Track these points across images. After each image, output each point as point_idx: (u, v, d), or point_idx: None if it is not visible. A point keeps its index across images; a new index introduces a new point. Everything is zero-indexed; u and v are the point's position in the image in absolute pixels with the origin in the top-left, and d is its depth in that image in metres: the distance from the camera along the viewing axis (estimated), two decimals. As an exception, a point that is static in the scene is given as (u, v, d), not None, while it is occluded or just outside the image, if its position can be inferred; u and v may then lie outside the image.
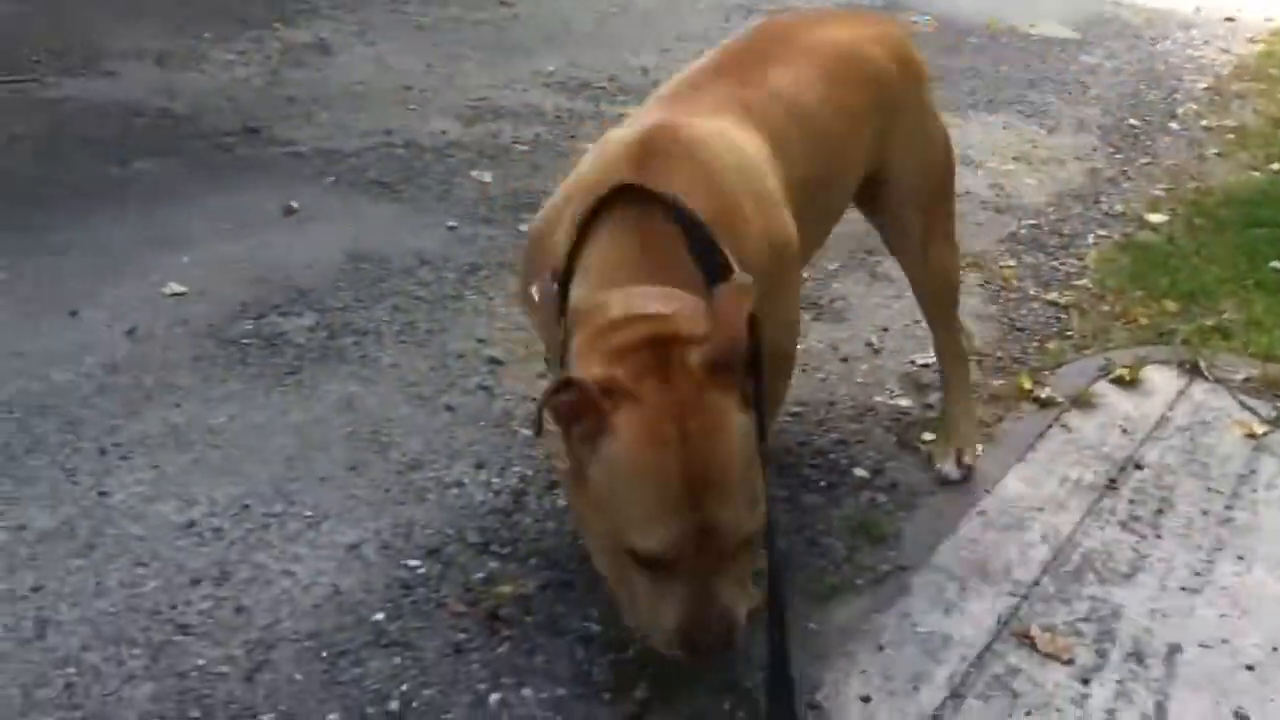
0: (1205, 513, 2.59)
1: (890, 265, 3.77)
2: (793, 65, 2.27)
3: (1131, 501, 2.62)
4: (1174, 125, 5.85)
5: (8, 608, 2.13)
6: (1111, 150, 5.33)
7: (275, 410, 2.78)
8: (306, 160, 4.44)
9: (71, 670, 2.00)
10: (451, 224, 3.93)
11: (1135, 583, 2.36)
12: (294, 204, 3.94)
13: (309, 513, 2.42)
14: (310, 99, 5.17)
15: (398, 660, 2.06)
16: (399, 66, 5.79)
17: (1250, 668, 2.16)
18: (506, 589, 2.23)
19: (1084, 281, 3.84)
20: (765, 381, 1.79)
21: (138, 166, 4.28)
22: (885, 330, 3.38)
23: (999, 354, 3.29)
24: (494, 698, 2.00)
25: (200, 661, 2.03)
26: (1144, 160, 5.25)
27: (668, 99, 2.17)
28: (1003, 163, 4.98)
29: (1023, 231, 4.26)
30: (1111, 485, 2.67)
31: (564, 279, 1.84)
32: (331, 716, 1.94)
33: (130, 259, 3.49)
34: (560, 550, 2.35)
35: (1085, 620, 2.25)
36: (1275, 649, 2.21)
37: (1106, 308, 3.64)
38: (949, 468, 2.64)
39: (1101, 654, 2.17)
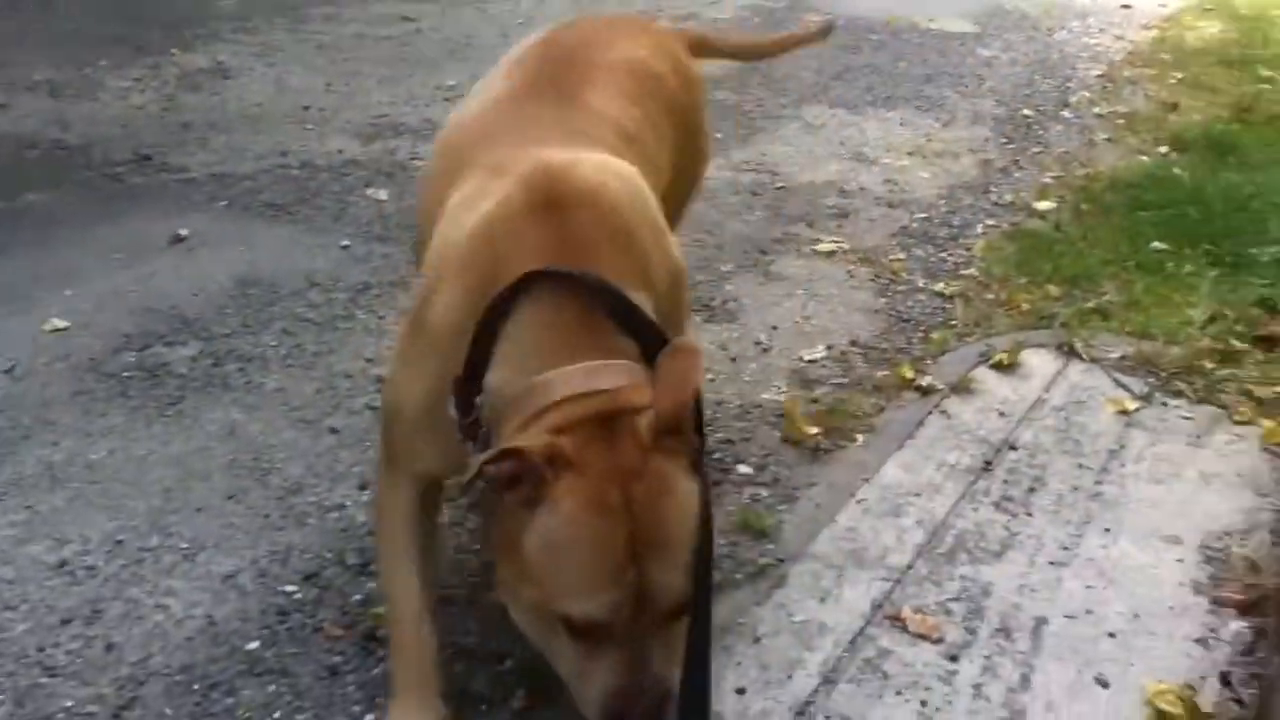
0: (1075, 489, 2.66)
1: (784, 264, 3.86)
2: (605, 86, 2.20)
3: (1005, 482, 2.68)
4: (1066, 113, 5.97)
5: (-128, 657, 2.11)
6: (1004, 141, 5.43)
7: (156, 442, 2.76)
8: (199, 186, 4.42)
9: (-68, 721, 1.97)
10: (345, 243, 3.93)
11: (1005, 560, 2.42)
12: (183, 232, 3.92)
13: (185, 544, 2.42)
14: (206, 124, 5.15)
15: (272, 688, 2.06)
16: (299, 87, 5.78)
17: (1113, 635, 2.22)
18: (384, 609, 2.24)
19: (970, 271, 3.92)
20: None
21: (28, 199, 4.24)
22: (775, 329, 3.42)
23: (884, 346, 3.35)
24: (369, 718, 2.00)
25: (68, 703, 2.02)
26: (1035, 149, 5.36)
27: (511, 132, 2.00)
28: (898, 158, 5.06)
29: (914, 225, 4.33)
30: (987, 467, 2.73)
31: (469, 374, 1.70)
32: (202, 749, 1.95)
33: (14, 296, 3.46)
34: (438, 567, 2.36)
35: (956, 600, 2.30)
36: (1137, 616, 2.28)
37: (991, 296, 3.71)
38: None
39: (971, 631, 2.22)
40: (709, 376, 3.10)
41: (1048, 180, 4.93)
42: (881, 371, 3.18)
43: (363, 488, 2.61)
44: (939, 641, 2.20)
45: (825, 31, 3.26)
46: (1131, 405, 2.99)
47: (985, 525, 2.53)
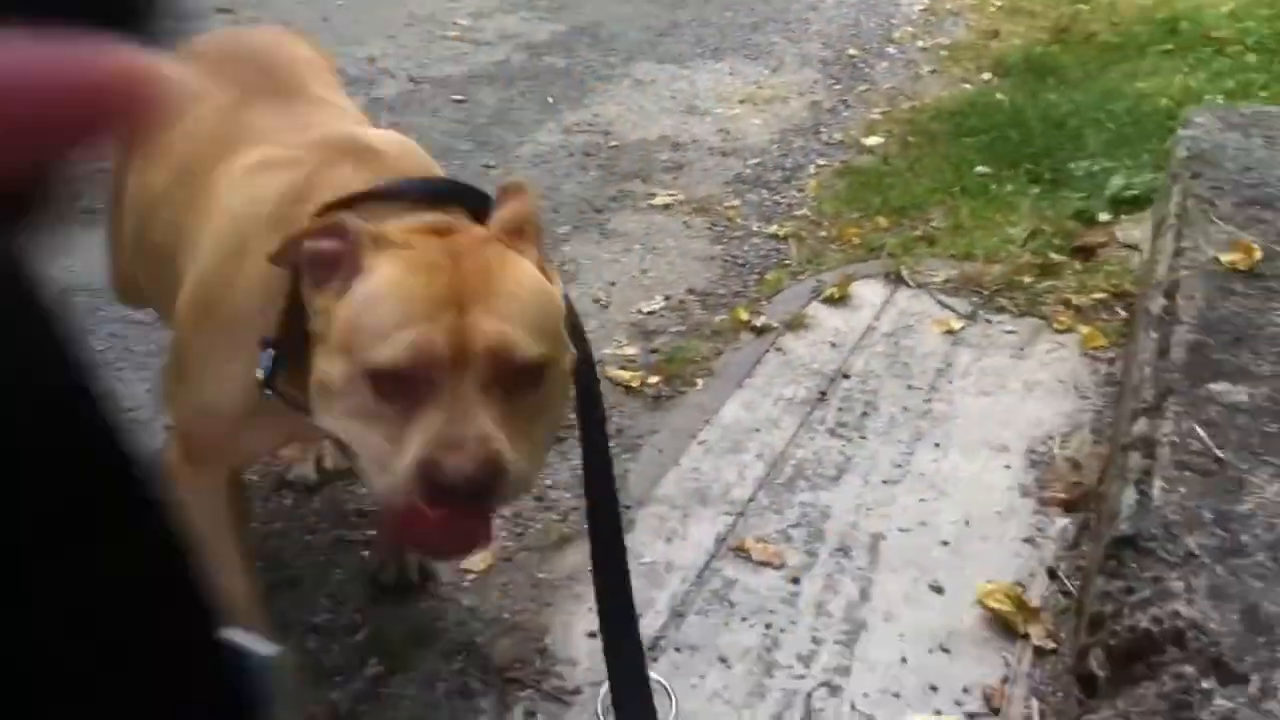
0: (906, 409, 2.76)
1: (620, 221, 3.89)
2: (314, 78, 2.05)
3: (840, 409, 2.77)
4: (891, 49, 6.12)
5: None
6: (832, 82, 5.55)
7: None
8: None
9: None
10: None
11: (842, 483, 2.51)
12: None
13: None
14: (22, 134, 4.96)
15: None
16: (118, 88, 5.60)
17: (945, 543, 2.33)
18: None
19: (803, 211, 4.01)
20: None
21: None
22: (613, 284, 3.46)
23: (721, 291, 3.42)
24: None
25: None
26: (863, 87, 5.49)
27: (254, 130, 1.79)
28: (729, 108, 5.13)
29: (748, 171, 4.41)
30: (822, 397, 2.82)
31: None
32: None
33: None
34: (286, 550, 2.36)
35: (796, 525, 2.38)
36: (968, 523, 2.38)
37: (823, 233, 3.81)
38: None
39: (811, 553, 2.30)
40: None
41: (875, 116, 5.06)
42: (719, 316, 3.25)
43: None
44: (781, 567, 2.27)
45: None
46: (957, 325, 3.11)
47: (822, 452, 2.62)
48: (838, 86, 5.47)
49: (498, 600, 2.22)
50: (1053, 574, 2.26)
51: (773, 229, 3.85)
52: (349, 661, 2.08)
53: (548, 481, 2.55)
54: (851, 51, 6.01)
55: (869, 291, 3.31)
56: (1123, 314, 3.07)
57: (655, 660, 2.05)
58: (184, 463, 1.75)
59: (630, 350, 3.08)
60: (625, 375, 2.92)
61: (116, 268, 2.40)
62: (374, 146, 1.65)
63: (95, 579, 0.78)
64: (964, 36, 6.37)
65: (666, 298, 3.36)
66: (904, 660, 2.05)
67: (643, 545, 2.34)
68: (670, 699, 1.96)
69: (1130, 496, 1.66)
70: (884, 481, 2.51)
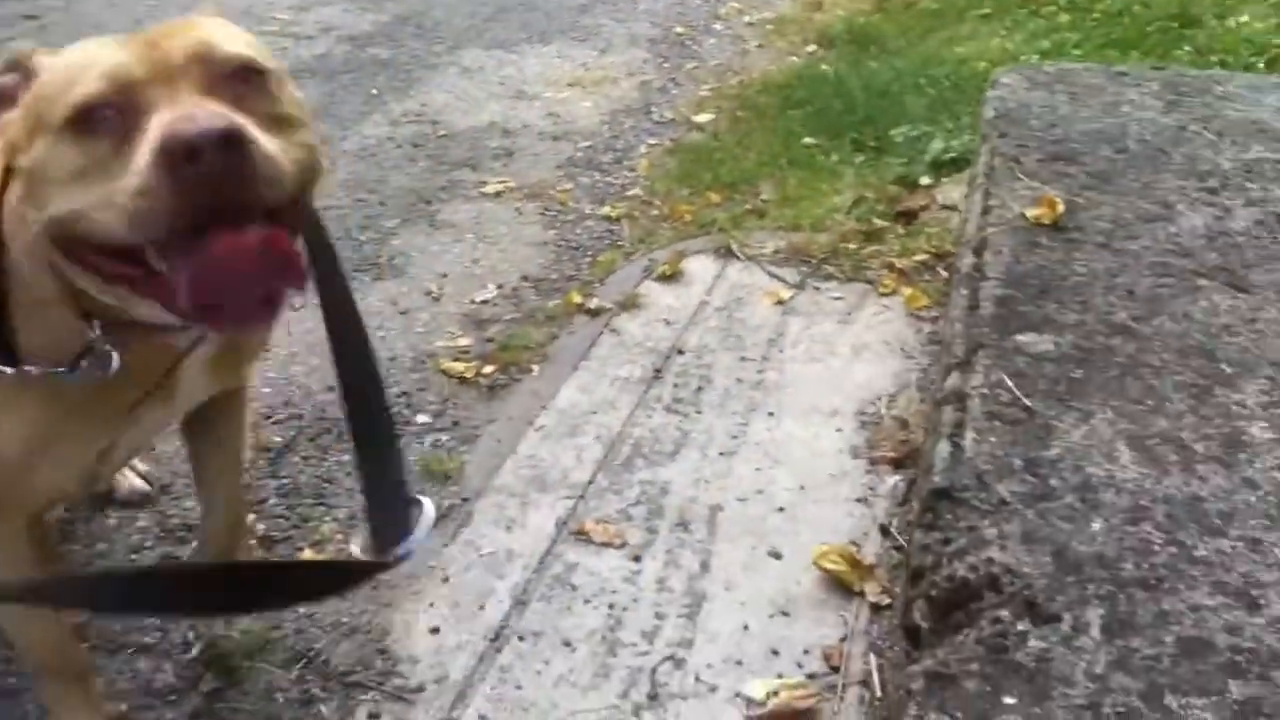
0: (740, 381, 2.79)
1: (450, 211, 3.85)
2: None
3: (675, 385, 2.78)
4: (718, 25, 6.18)
5: None
6: (661, 60, 5.57)
7: None
8: None
9: None
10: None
11: (680, 459, 2.52)
12: None
13: None
14: None
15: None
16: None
17: (781, 510, 2.36)
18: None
19: (636, 191, 4.02)
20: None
21: None
22: (445, 276, 3.41)
23: (554, 276, 3.40)
24: (46, 737, 1.92)
25: None
26: (691, 65, 5.52)
27: None
28: (558, 91, 5.11)
29: (579, 154, 4.40)
30: (657, 375, 2.83)
31: None
32: None
33: None
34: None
35: (636, 504, 2.39)
36: (803, 488, 2.42)
37: (655, 212, 3.82)
38: None
39: (651, 531, 2.31)
40: (380, 334, 3.07)
41: (705, 93, 5.10)
42: (553, 301, 3.23)
43: None
44: (623, 546, 2.27)
45: None
46: (786, 294, 3.15)
47: (659, 429, 2.62)
48: (666, 65, 5.49)
49: (335, 605, 2.17)
50: (885, 531, 2.31)
51: (605, 210, 3.85)
52: (183, 680, 2.01)
53: (384, 479, 2.50)
54: (679, 29, 6.04)
55: (701, 267, 3.33)
56: (944, 274, 3.15)
57: (499, 651, 2.04)
58: None
59: (464, 341, 3.04)
60: (459, 367, 2.88)
61: None
62: None
63: None
64: (788, 10, 6.46)
65: (499, 286, 3.33)
66: (745, 628, 2.07)
67: (482, 536, 2.32)
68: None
69: (944, 449, 1.70)
70: (720, 454, 2.53)
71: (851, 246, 3.38)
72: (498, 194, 3.99)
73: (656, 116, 4.81)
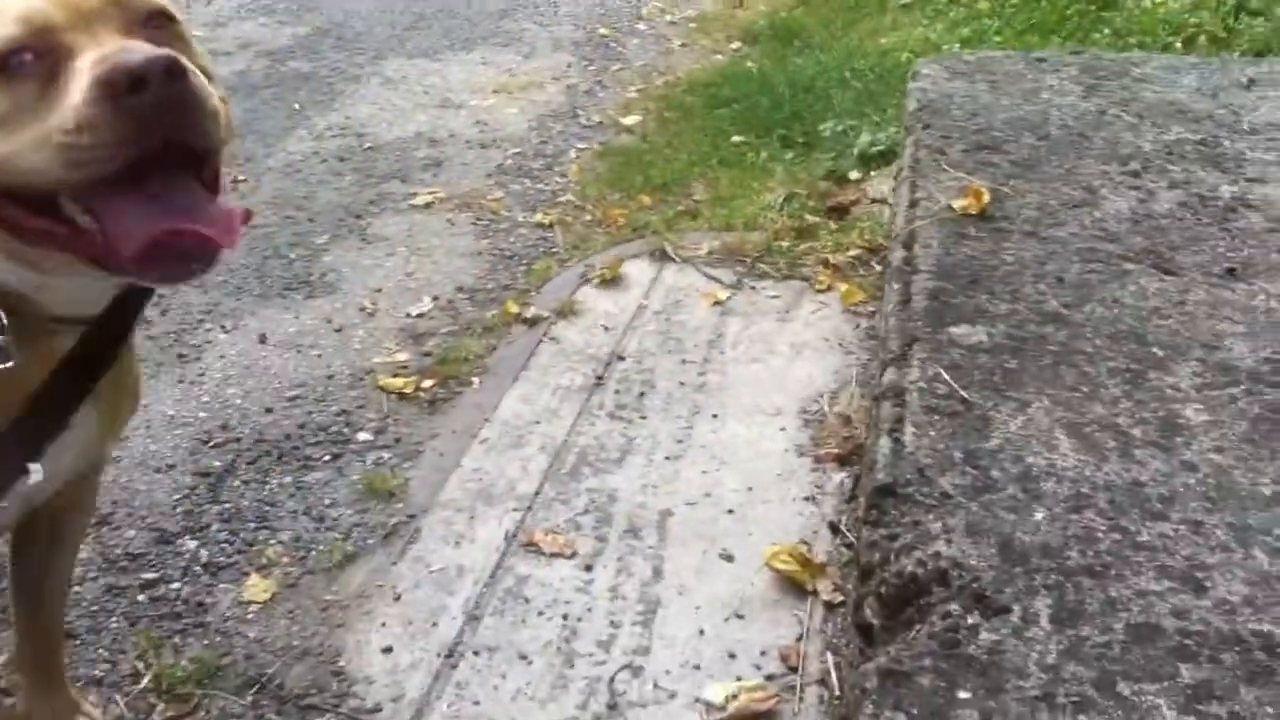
0: (682, 384, 2.80)
1: (381, 225, 3.81)
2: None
3: (617, 392, 2.79)
4: (641, 26, 6.19)
5: None
6: (586, 63, 5.57)
7: None
8: None
9: None
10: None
11: (626, 465, 2.52)
12: None
13: None
14: None
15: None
16: None
17: (731, 511, 2.37)
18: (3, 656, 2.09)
19: (567, 197, 4.01)
20: None
21: None
22: (379, 291, 3.38)
23: (490, 286, 3.38)
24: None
25: None
26: (617, 66, 5.52)
27: None
28: (484, 99, 5.08)
29: (508, 162, 4.38)
30: (599, 382, 2.83)
31: None
32: None
33: None
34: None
35: (584, 513, 2.39)
36: (751, 489, 2.43)
37: (589, 217, 3.82)
38: None
39: (601, 539, 2.31)
40: (315, 352, 3.04)
41: (632, 94, 5.10)
42: (490, 312, 3.22)
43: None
44: (573, 556, 2.27)
45: None
46: (724, 295, 3.16)
47: (604, 437, 2.62)
48: (592, 68, 5.49)
49: (286, 628, 2.15)
50: (834, 528, 2.33)
51: (538, 218, 3.84)
52: (135, 712, 1.98)
53: (327, 501, 2.48)
54: (603, 31, 6.04)
55: (637, 271, 3.33)
56: (878, 268, 3.18)
57: (455, 667, 2.03)
58: None
59: (402, 356, 3.02)
60: (398, 383, 2.86)
61: None
62: None
63: None
64: (711, 8, 6.49)
65: (435, 298, 3.31)
66: (701, 632, 2.08)
67: (431, 553, 2.30)
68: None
69: (885, 445, 1.72)
70: (667, 458, 2.53)
71: (785, 244, 3.40)
72: (428, 205, 3.97)
73: (584, 120, 4.81)
